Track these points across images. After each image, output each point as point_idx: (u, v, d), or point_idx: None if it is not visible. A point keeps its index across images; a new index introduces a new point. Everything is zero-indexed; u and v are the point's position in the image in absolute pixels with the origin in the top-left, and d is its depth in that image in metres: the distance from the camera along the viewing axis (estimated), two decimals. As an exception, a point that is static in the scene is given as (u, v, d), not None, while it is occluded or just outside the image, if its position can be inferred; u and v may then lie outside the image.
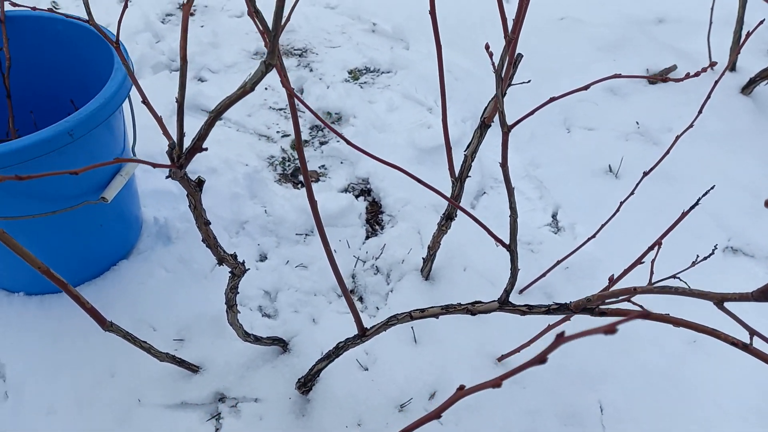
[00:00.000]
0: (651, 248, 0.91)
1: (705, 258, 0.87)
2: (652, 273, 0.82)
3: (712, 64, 0.78)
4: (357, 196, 1.64)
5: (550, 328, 1.11)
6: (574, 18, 2.29)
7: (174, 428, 1.13)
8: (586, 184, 1.69)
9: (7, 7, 1.29)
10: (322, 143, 1.80)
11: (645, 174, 1.12)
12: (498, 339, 1.28)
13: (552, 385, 1.22)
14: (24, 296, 1.32)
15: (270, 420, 1.14)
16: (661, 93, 1.98)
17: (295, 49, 2.16)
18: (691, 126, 1.09)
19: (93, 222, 1.29)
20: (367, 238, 1.53)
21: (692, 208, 0.92)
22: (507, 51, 0.79)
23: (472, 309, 0.83)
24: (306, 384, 1.13)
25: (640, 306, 0.73)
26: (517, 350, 1.18)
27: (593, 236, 1.25)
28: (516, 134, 1.80)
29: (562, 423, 1.17)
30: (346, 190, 1.66)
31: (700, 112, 1.11)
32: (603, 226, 1.21)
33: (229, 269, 0.95)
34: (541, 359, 0.42)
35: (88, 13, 0.92)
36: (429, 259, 1.36)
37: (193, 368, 1.19)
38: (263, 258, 1.46)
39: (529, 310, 0.80)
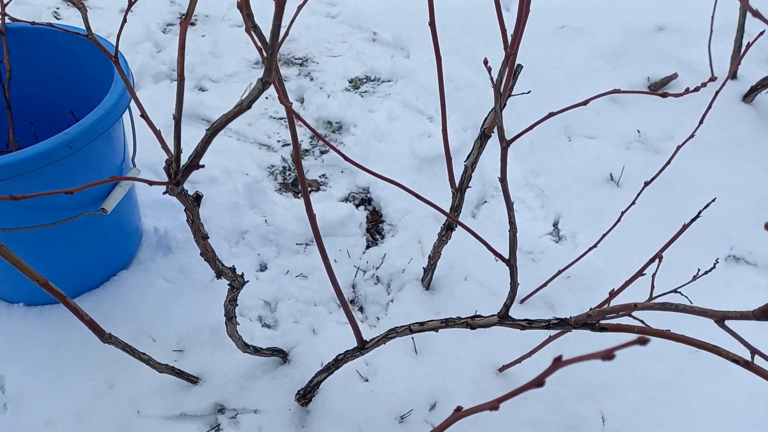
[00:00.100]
0: (651, 261, 0.91)
1: (706, 272, 0.86)
2: (653, 287, 0.81)
3: (712, 79, 0.78)
4: (357, 206, 1.64)
5: (550, 339, 1.10)
6: (574, 27, 2.29)
7: (173, 440, 1.12)
8: (587, 193, 1.69)
9: (7, 19, 1.30)
10: (322, 152, 1.80)
11: (646, 184, 1.11)
12: (498, 349, 1.28)
13: (553, 396, 1.21)
14: (24, 307, 1.32)
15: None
16: (662, 101, 1.98)
17: (295, 59, 2.16)
18: (692, 136, 1.09)
19: (92, 233, 1.29)
20: (368, 247, 1.53)
21: (693, 220, 0.91)
22: (506, 65, 0.78)
23: (472, 323, 0.82)
24: (306, 396, 1.12)
25: (641, 321, 0.73)
26: (518, 361, 1.18)
27: (594, 246, 1.25)
28: (516, 143, 1.79)
29: (563, 435, 1.16)
30: (346, 200, 1.65)
31: (701, 122, 1.10)
32: (604, 236, 1.21)
33: (228, 282, 0.95)
34: (539, 382, 0.42)
35: (87, 27, 0.92)
36: (430, 269, 1.35)
37: (193, 379, 1.18)
38: (263, 268, 1.46)
39: (528, 324, 0.79)
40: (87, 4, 2.31)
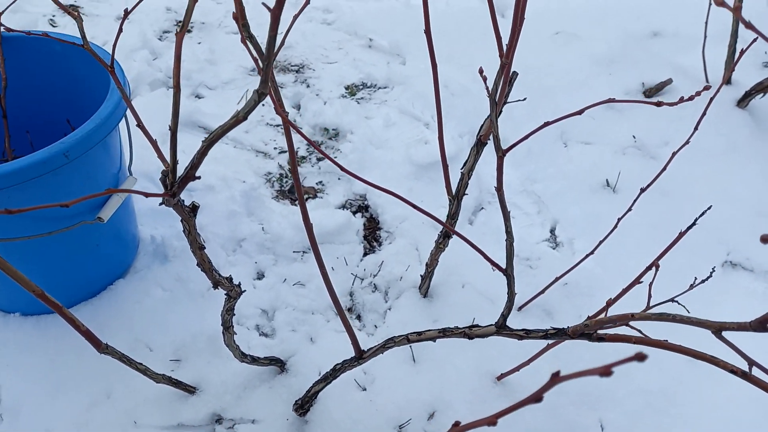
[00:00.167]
0: (648, 269, 0.91)
1: (703, 281, 0.86)
2: (650, 296, 0.81)
3: (706, 87, 0.78)
4: (354, 213, 1.63)
5: (548, 347, 1.10)
6: (569, 33, 2.29)
7: (170, 451, 1.12)
8: (584, 200, 1.69)
9: (2, 29, 1.30)
10: (319, 159, 1.80)
11: (642, 190, 1.12)
12: (497, 358, 1.28)
13: (552, 405, 1.21)
14: (20, 317, 1.31)
15: (267, 442, 1.13)
16: (658, 107, 1.98)
17: (291, 65, 2.16)
18: (687, 143, 1.09)
19: (89, 242, 1.29)
20: (365, 255, 1.53)
21: (689, 228, 0.91)
22: (501, 74, 0.79)
23: (469, 333, 0.82)
24: (303, 406, 1.12)
25: (638, 330, 0.73)
26: (516, 369, 1.17)
27: (591, 253, 1.25)
28: (513, 150, 1.79)
29: (561, 443, 1.16)
30: (343, 207, 1.65)
31: (696, 128, 1.11)
32: (601, 242, 1.21)
33: (225, 292, 0.94)
34: (537, 398, 0.42)
35: (83, 37, 0.92)
36: (427, 277, 1.35)
37: (190, 389, 1.18)
38: (260, 276, 1.45)
39: (526, 334, 0.79)
40: (83, 12, 2.31)
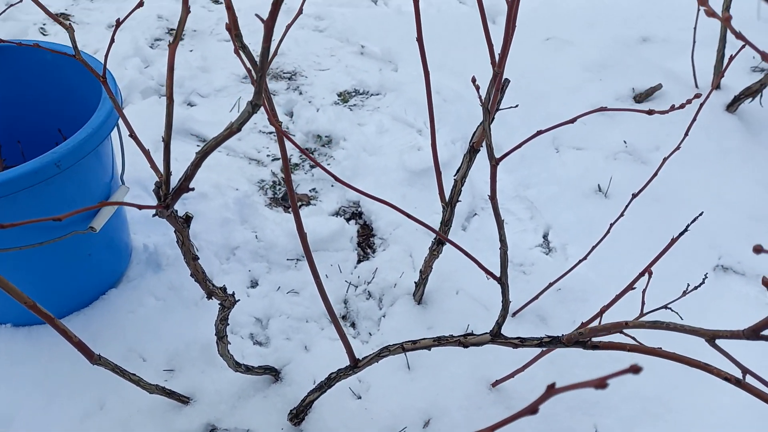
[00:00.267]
0: (641, 275, 0.91)
1: (696, 287, 0.87)
2: (643, 303, 0.82)
3: (697, 95, 0.79)
4: (348, 220, 1.63)
5: (544, 353, 1.11)
6: (560, 39, 2.31)
7: (164, 462, 1.11)
8: (577, 205, 1.70)
9: (-5, 37, 1.29)
10: (312, 166, 1.80)
11: (634, 196, 1.12)
12: (492, 363, 1.28)
13: (548, 411, 1.21)
14: (12, 328, 1.30)
15: (262, 452, 1.12)
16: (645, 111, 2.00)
17: (284, 73, 2.16)
18: (678, 148, 1.10)
19: (81, 252, 1.28)
20: (359, 262, 1.53)
21: (681, 234, 0.92)
22: (494, 83, 0.79)
23: (464, 341, 0.82)
24: (298, 415, 1.12)
25: (632, 338, 0.73)
26: (511, 376, 1.17)
27: (584, 259, 1.25)
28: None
29: (557, 449, 1.16)
30: (337, 214, 1.65)
31: (686, 134, 1.12)
32: (594, 248, 1.22)
33: (219, 301, 0.94)
34: (532, 409, 0.42)
35: (74, 47, 0.92)
36: (421, 284, 1.35)
37: (183, 400, 1.17)
38: (254, 284, 1.45)
39: (521, 343, 0.79)
40: (73, 20, 2.31)
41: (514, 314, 1.38)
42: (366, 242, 1.59)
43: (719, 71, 2.00)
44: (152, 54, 2.13)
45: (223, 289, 0.92)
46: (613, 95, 2.07)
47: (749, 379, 0.58)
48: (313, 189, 1.73)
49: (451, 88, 2.04)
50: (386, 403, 1.19)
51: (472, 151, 1.08)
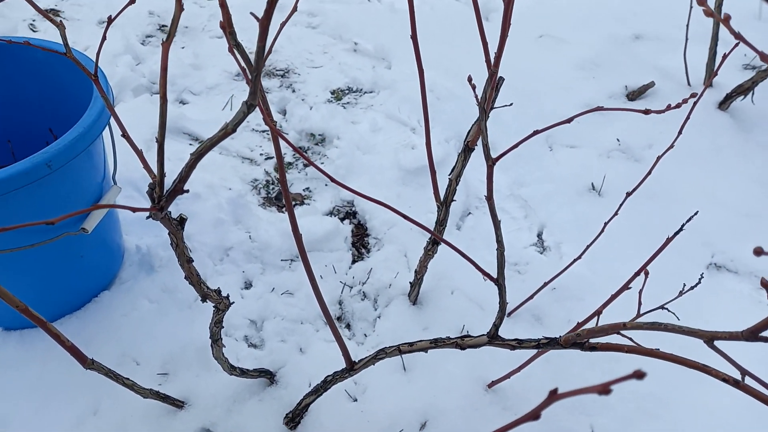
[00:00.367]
0: (636, 275, 0.91)
1: (692, 287, 0.87)
2: (640, 304, 0.82)
3: (693, 95, 0.78)
4: (342, 219, 1.63)
5: (539, 354, 1.10)
6: (552, 36, 2.31)
7: (159, 466, 1.10)
8: (571, 203, 1.70)
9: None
10: (306, 165, 1.78)
11: (628, 194, 1.12)
12: (488, 363, 1.27)
13: (545, 411, 1.21)
14: (3, 331, 1.29)
15: (258, 454, 1.11)
16: (645, 114, 2.00)
17: (277, 70, 2.15)
18: (671, 146, 1.10)
19: (73, 253, 1.26)
20: (354, 262, 1.52)
21: (677, 233, 0.92)
22: (489, 84, 0.78)
23: (461, 343, 0.82)
24: (294, 419, 1.11)
25: (630, 338, 0.73)
26: (507, 376, 1.17)
27: (579, 257, 1.25)
28: (499, 153, 1.80)
29: (553, 448, 1.16)
30: (331, 213, 1.64)
31: (680, 133, 1.12)
32: (588, 247, 1.22)
33: (213, 304, 0.93)
34: (534, 415, 0.42)
35: (66, 45, 0.90)
36: (416, 284, 1.35)
37: (178, 404, 1.16)
38: (248, 285, 1.44)
39: (519, 344, 0.79)
40: (63, 16, 2.28)
41: (509, 314, 1.38)
42: (360, 242, 1.59)
43: (711, 69, 2.01)
44: (143, 51, 2.11)
45: (218, 291, 0.91)
46: (607, 93, 2.07)
47: (748, 380, 0.58)
48: (307, 188, 1.72)
49: (444, 86, 2.03)
50: (383, 405, 1.19)
51: (467, 150, 1.08)
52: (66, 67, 1.27)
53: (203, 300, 0.89)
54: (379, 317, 1.38)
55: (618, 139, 1.89)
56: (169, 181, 0.71)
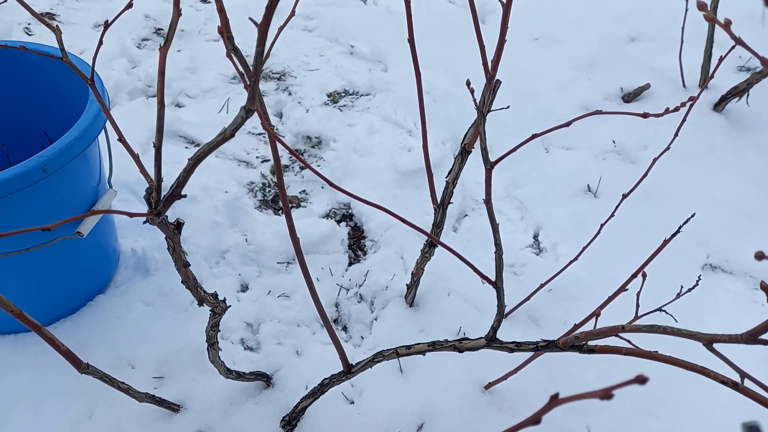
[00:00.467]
0: (633, 276, 0.92)
1: (689, 290, 0.87)
2: (638, 306, 0.82)
3: (691, 98, 0.79)
4: (339, 222, 1.62)
5: (536, 355, 1.10)
6: (549, 37, 2.31)
7: (155, 470, 1.10)
8: (567, 204, 1.70)
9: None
10: (302, 168, 1.78)
11: (624, 196, 1.12)
12: (486, 364, 1.27)
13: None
14: (-3, 335, 1.28)
15: (255, 458, 1.11)
16: (637, 111, 2.01)
17: (273, 73, 2.15)
18: (668, 149, 1.10)
19: (68, 257, 1.26)
20: (350, 264, 1.52)
21: (674, 235, 0.92)
22: (488, 88, 0.78)
23: (459, 346, 0.82)
24: (291, 422, 1.11)
25: (628, 341, 0.73)
26: (504, 378, 1.17)
27: (575, 259, 1.25)
28: (496, 155, 1.80)
29: (550, 450, 1.16)
30: (327, 216, 1.64)
31: (676, 135, 1.12)
32: (585, 248, 1.22)
33: (210, 308, 0.93)
34: (535, 420, 0.42)
35: (62, 49, 0.90)
36: (413, 286, 1.35)
37: (174, 408, 1.15)
38: (244, 288, 1.43)
39: (517, 347, 0.79)
40: (59, 20, 2.27)
41: (506, 315, 1.38)
42: (357, 244, 1.58)
43: (707, 71, 2.02)
44: (139, 54, 2.11)
45: (215, 295, 0.91)
46: (602, 95, 2.07)
47: (747, 383, 0.58)
48: (303, 191, 1.72)
49: (440, 87, 2.04)
50: (380, 408, 1.18)
51: (464, 153, 1.08)
52: (61, 70, 1.27)
53: (200, 304, 0.89)
54: (375, 319, 1.37)
55: (613, 141, 1.90)
56: (164, 185, 0.71)
